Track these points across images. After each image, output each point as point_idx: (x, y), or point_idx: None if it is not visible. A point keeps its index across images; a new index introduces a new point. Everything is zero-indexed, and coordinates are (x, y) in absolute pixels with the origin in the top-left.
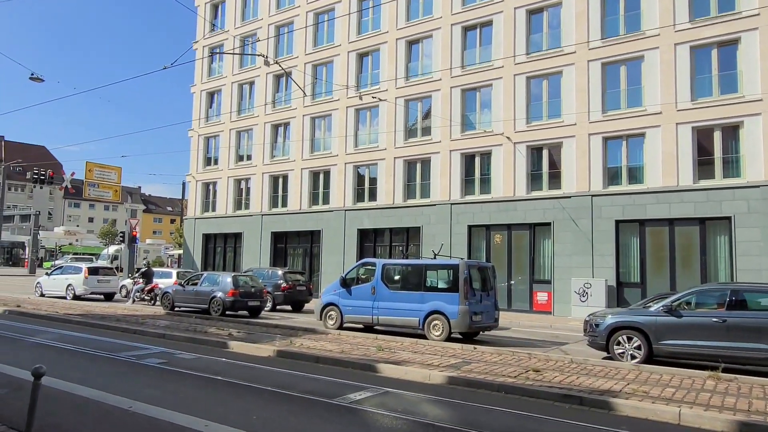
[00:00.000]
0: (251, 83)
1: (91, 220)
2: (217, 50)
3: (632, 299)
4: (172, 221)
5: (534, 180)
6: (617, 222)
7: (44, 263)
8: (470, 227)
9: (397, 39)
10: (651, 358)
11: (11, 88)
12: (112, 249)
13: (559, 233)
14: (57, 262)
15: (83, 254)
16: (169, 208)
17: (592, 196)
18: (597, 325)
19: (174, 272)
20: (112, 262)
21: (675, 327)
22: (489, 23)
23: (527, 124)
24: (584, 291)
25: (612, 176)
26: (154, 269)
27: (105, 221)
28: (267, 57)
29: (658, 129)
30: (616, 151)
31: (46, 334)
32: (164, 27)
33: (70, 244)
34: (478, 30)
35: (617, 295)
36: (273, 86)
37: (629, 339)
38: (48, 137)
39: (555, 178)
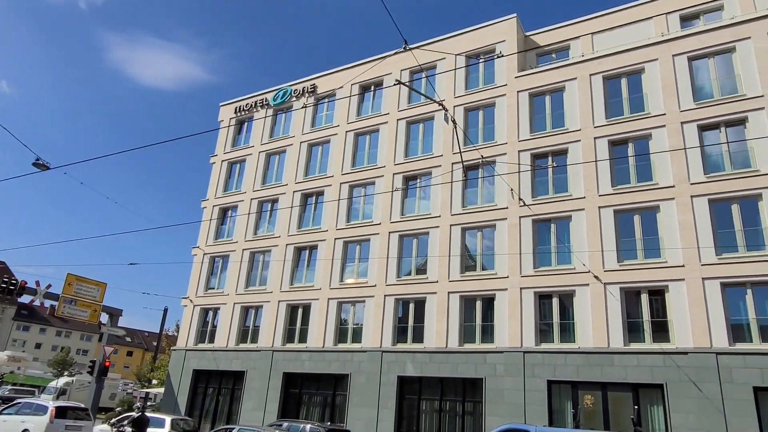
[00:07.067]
0: (274, 200)
1: (38, 346)
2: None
3: None
4: (129, 354)
5: (632, 329)
6: (756, 389)
7: None
8: (550, 383)
9: (452, 162)
10: None
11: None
12: (61, 381)
13: (675, 399)
14: None
15: (24, 385)
16: (128, 339)
17: (717, 354)
18: None
19: (168, 420)
20: (58, 398)
21: None
22: (564, 152)
23: (619, 262)
24: None
25: (738, 332)
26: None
27: (54, 348)
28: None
29: None
30: (737, 302)
31: None
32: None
33: (11, 372)
34: (549, 158)
35: None
36: (300, 205)
37: None
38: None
39: (661, 329)
